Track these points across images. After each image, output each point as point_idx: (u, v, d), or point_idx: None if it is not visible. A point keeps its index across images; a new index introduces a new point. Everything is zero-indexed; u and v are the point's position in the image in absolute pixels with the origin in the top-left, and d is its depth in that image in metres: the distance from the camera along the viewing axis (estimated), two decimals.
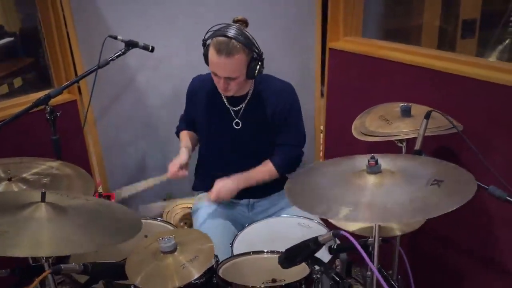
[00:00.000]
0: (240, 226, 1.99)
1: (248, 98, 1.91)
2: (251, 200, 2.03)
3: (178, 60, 2.49)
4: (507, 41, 3.96)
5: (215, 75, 1.77)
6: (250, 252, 1.45)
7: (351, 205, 1.06)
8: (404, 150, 1.75)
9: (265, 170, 1.93)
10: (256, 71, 1.76)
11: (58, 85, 2.50)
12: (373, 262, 1.27)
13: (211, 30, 1.76)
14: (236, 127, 1.93)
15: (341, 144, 2.51)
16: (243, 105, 1.91)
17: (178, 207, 2.63)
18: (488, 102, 1.73)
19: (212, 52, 1.72)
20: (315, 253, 1.08)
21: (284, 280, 1.27)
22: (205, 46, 1.78)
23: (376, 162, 1.18)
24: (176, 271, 1.15)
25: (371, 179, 1.17)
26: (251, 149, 1.95)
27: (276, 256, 1.42)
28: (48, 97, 1.94)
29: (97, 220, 1.28)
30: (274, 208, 2.02)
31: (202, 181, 2.11)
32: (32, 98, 2.32)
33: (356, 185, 1.16)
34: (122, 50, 2.10)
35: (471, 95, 1.78)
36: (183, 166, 1.89)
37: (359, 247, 0.92)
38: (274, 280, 1.44)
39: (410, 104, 1.70)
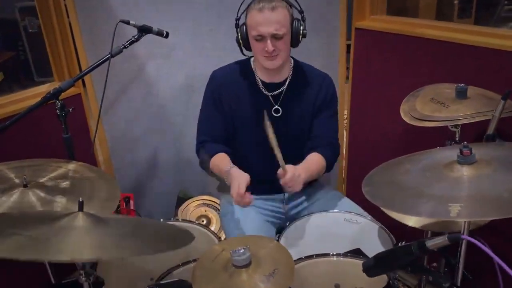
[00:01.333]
0: (275, 223, 1.86)
1: (287, 82, 1.78)
2: (286, 194, 1.89)
3: (190, 47, 2.30)
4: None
5: (259, 40, 1.63)
6: (313, 255, 1.29)
7: (458, 201, 0.92)
8: (458, 134, 1.62)
9: (319, 163, 1.77)
10: (301, 34, 1.66)
11: (59, 79, 2.29)
12: (459, 261, 1.14)
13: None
14: (276, 115, 1.77)
15: (367, 129, 2.38)
16: (284, 90, 1.77)
17: (192, 205, 2.48)
18: None
19: (254, 13, 1.61)
20: (417, 259, 0.93)
21: None
22: (239, 26, 1.68)
23: (471, 151, 1.04)
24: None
25: (467, 171, 1.03)
26: (292, 138, 1.79)
27: (344, 259, 1.29)
28: (59, 91, 1.73)
29: (139, 230, 1.12)
30: (309, 201, 1.89)
31: None
32: (27, 94, 2.14)
33: (453, 179, 1.02)
34: (136, 36, 1.90)
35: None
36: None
37: (491, 254, 0.78)
38: (337, 286, 1.30)
39: (466, 85, 1.56)
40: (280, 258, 1.06)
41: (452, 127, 1.61)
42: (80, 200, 1.11)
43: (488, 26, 2.78)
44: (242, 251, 0.98)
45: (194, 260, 1.32)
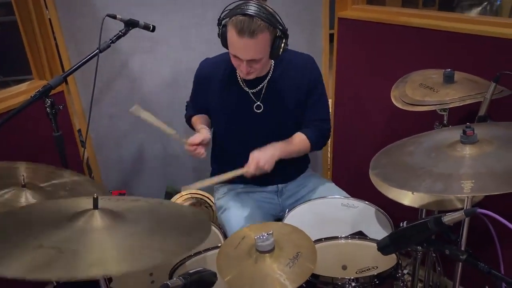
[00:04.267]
0: (270, 215, 1.88)
1: (268, 77, 1.75)
2: (279, 186, 1.92)
3: (174, 41, 2.29)
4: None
5: (236, 58, 1.59)
6: (321, 239, 1.32)
7: (469, 178, 0.97)
8: (446, 118, 1.70)
9: (300, 142, 1.77)
10: (281, 50, 1.59)
11: (38, 77, 2.23)
12: (461, 237, 1.21)
13: (227, 8, 1.56)
14: (257, 111, 1.77)
15: (352, 116, 2.44)
16: (264, 86, 1.75)
17: (181, 199, 2.47)
18: None
19: (232, 33, 1.52)
20: (433, 235, 0.99)
21: (377, 267, 1.17)
22: (221, 26, 1.58)
23: (473, 131, 1.10)
24: (283, 272, 1.01)
25: (470, 150, 1.09)
26: (276, 133, 1.76)
27: (352, 241, 1.34)
28: (48, 88, 1.70)
29: (161, 224, 1.12)
30: (303, 191, 1.92)
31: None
32: (5, 94, 2.06)
33: (458, 157, 1.08)
34: (122, 31, 1.89)
35: (496, 54, 1.74)
36: (203, 143, 1.69)
37: (508, 224, 0.83)
38: (344, 267, 1.35)
39: (453, 70, 1.64)
40: (300, 241, 1.09)
41: (440, 111, 1.68)
42: (95, 196, 1.09)
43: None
44: (266, 236, 1.01)
45: (205, 250, 1.33)
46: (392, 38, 2.09)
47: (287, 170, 1.86)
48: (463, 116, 1.74)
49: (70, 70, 1.77)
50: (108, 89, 2.33)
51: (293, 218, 1.69)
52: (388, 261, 1.24)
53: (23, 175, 1.45)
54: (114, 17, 1.86)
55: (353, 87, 2.36)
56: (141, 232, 1.04)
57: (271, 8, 1.55)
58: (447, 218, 0.94)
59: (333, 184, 1.92)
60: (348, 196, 1.80)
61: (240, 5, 1.53)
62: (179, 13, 2.24)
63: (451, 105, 1.52)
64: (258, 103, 1.76)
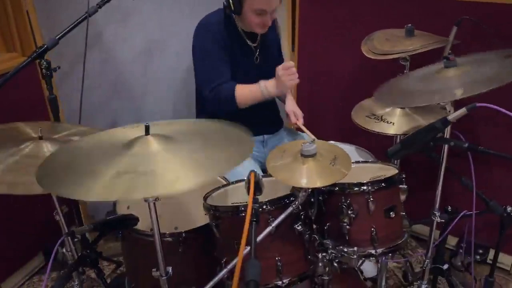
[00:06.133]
0: (258, 162, 2.04)
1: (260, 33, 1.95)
2: (265, 136, 2.11)
3: (145, 11, 2.36)
4: None
5: (258, 15, 1.76)
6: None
7: (460, 86, 1.24)
8: (407, 67, 1.99)
9: None
10: None
11: (7, 48, 2.19)
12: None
13: None
14: (256, 62, 1.97)
15: (315, 72, 2.65)
16: (258, 40, 1.96)
17: None
18: None
19: None
20: (438, 134, 1.22)
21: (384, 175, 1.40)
22: None
23: (454, 57, 1.37)
24: (328, 168, 1.19)
25: (453, 72, 1.36)
26: None
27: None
28: (45, 50, 1.71)
29: (209, 140, 1.24)
30: (285, 142, 2.12)
31: None
32: None
33: (446, 78, 1.34)
34: None
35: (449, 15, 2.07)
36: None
37: (506, 111, 1.08)
38: None
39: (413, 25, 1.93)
40: (331, 149, 1.29)
41: (402, 61, 1.96)
42: (146, 124, 1.20)
43: None
44: (310, 143, 1.20)
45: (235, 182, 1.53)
46: (351, 2, 2.36)
47: (271, 123, 2.12)
48: (422, 64, 2.04)
49: (63, 32, 1.79)
50: (79, 62, 2.33)
51: None
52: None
53: (40, 128, 1.48)
54: None
55: (317, 47, 2.58)
56: (196, 148, 1.16)
57: None
58: (452, 116, 1.19)
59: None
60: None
61: None
62: None
63: (418, 51, 1.80)
64: (257, 55, 1.96)
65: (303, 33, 2.59)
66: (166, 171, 1.06)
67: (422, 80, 1.41)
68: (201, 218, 1.48)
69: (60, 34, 1.78)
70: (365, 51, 1.96)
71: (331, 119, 2.64)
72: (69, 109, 2.38)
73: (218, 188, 1.50)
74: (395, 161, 1.86)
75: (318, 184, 1.15)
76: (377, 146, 1.89)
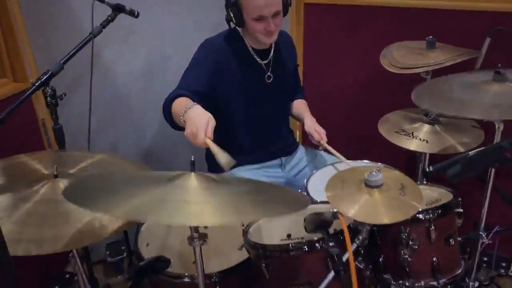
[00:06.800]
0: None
1: (273, 48, 1.86)
2: (283, 159, 2.00)
3: (148, 30, 2.22)
4: None
5: (260, 21, 1.66)
6: None
7: None
8: (428, 80, 1.93)
9: (307, 106, 2.05)
10: (289, 1, 1.71)
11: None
12: None
13: None
14: (268, 81, 1.85)
15: (322, 99, 2.58)
16: (271, 57, 1.85)
17: None
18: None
19: None
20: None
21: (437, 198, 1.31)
22: (232, 3, 1.67)
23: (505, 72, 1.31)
24: (398, 199, 1.09)
25: (500, 87, 1.31)
26: (280, 102, 1.93)
27: None
28: (50, 76, 1.56)
29: (257, 192, 1.12)
30: (302, 163, 2.02)
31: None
32: None
33: (498, 92, 1.29)
34: (111, 16, 1.81)
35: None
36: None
37: None
38: None
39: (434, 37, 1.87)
40: (395, 176, 1.18)
41: (423, 74, 1.90)
42: (192, 159, 1.07)
43: None
44: (375, 172, 1.08)
45: None
46: (356, 18, 2.29)
47: (288, 143, 2.02)
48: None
49: (68, 56, 1.64)
50: (77, 83, 2.17)
51: (312, 186, 1.75)
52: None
53: (56, 166, 1.32)
54: (102, 1, 1.77)
55: (323, 71, 2.50)
56: (234, 193, 1.06)
57: None
58: None
59: (325, 153, 2.03)
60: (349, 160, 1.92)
61: None
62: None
63: (445, 64, 1.74)
64: (269, 73, 1.84)
65: (308, 46, 2.50)
66: (190, 204, 0.98)
67: (469, 89, 1.34)
68: (233, 256, 1.38)
69: (65, 58, 1.64)
70: (386, 65, 1.89)
71: (340, 133, 2.55)
72: (67, 133, 2.19)
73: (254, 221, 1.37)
74: (423, 179, 1.79)
75: (397, 219, 1.03)
76: (396, 162, 1.81)
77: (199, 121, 1.27)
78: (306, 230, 1.09)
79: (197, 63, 1.75)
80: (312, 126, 1.89)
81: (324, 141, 1.85)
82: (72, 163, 1.40)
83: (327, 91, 2.51)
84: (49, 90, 1.57)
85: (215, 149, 1.21)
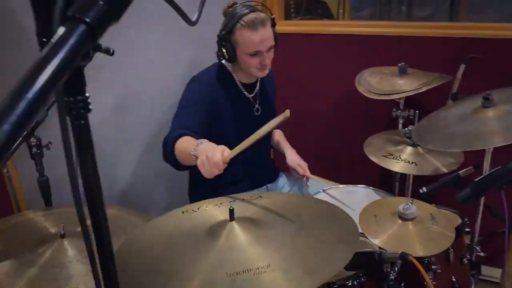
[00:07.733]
0: None
1: (258, 81, 1.90)
2: (268, 186, 2.04)
3: (119, 65, 2.13)
4: None
5: (254, 57, 1.68)
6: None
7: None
8: (402, 105, 2.04)
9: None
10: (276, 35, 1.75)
11: None
12: None
13: (224, 23, 1.71)
14: (256, 114, 1.89)
15: (297, 127, 2.61)
16: (257, 90, 1.89)
17: None
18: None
19: (246, 34, 1.64)
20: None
21: None
22: (227, 39, 1.68)
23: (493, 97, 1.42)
24: (432, 232, 1.11)
25: (491, 112, 1.41)
26: (269, 133, 1.93)
27: None
28: (35, 125, 1.45)
29: (303, 222, 1.06)
30: (286, 188, 2.07)
31: (215, 191, 1.73)
32: None
33: (487, 118, 1.38)
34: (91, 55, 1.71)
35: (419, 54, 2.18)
36: None
37: None
38: None
39: (406, 64, 1.99)
40: (421, 206, 1.22)
41: (397, 99, 2.01)
42: (231, 208, 1.04)
43: None
44: (409, 205, 1.12)
45: None
46: (326, 46, 2.38)
47: (272, 170, 2.08)
48: (417, 101, 2.09)
49: (52, 102, 1.52)
50: (43, 126, 2.02)
51: None
52: None
53: (62, 224, 1.22)
54: None
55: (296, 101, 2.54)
56: (291, 237, 1.00)
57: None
58: None
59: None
60: (335, 184, 1.96)
61: (234, 11, 1.66)
62: (123, 38, 2.09)
63: (422, 90, 1.85)
64: (257, 106, 1.88)
65: (284, 75, 2.54)
66: (258, 275, 0.88)
67: (463, 120, 1.44)
68: None
69: (49, 105, 1.51)
70: (364, 92, 1.98)
71: (316, 157, 2.61)
72: (30, 184, 2.02)
73: None
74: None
75: (434, 251, 1.07)
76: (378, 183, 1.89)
77: (213, 147, 1.35)
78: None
79: (193, 102, 1.72)
80: (295, 160, 1.94)
81: (308, 174, 1.89)
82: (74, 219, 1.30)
83: (302, 120, 2.56)
84: (34, 140, 1.45)
85: (239, 147, 1.27)
